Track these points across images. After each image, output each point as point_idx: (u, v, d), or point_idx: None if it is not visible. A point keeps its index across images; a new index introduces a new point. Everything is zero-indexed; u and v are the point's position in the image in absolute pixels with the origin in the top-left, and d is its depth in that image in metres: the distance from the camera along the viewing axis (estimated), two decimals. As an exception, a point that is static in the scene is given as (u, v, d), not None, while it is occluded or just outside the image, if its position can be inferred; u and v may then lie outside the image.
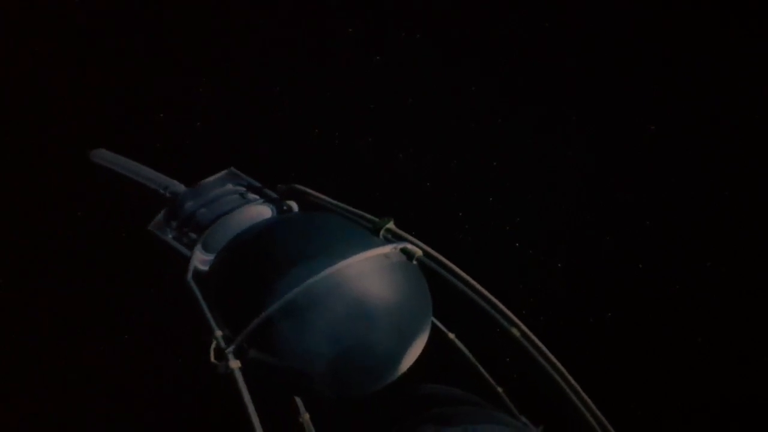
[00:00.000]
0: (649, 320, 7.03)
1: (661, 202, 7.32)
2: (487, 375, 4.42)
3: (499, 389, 4.43)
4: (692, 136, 7.33)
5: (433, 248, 4.20)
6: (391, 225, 4.27)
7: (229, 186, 5.21)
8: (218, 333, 3.71)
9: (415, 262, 4.14)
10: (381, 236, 4.28)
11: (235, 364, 3.53)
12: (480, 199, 7.49)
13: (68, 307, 7.09)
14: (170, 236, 4.93)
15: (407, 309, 3.91)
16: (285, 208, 4.95)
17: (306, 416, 4.70)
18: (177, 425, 6.77)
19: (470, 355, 4.50)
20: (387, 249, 4.02)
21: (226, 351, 3.59)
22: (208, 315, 3.85)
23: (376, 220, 4.33)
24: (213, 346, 3.65)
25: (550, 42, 7.70)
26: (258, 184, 5.20)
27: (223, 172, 5.27)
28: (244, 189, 5.17)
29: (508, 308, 4.76)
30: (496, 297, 4.70)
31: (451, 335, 4.60)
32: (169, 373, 6.74)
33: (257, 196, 5.06)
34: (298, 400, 4.77)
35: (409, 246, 4.13)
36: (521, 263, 7.32)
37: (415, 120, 7.66)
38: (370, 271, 3.86)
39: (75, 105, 7.46)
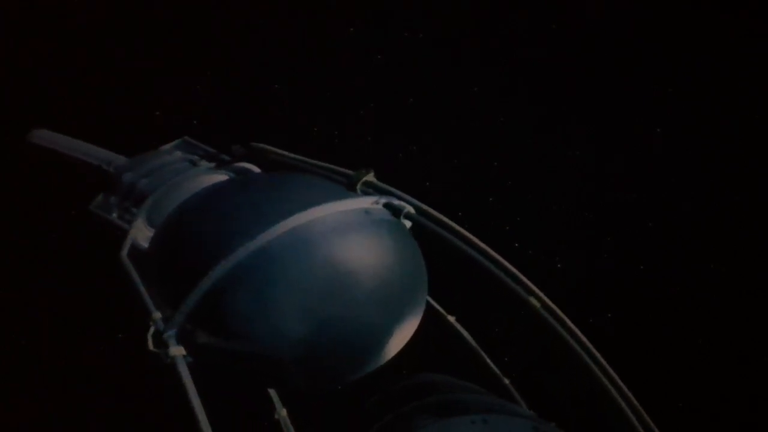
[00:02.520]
0: (649, 320, 6.80)
1: (663, 202, 7.10)
2: (491, 364, 3.68)
3: (506, 380, 3.69)
4: (693, 137, 7.11)
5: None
6: (370, 178, 3.44)
7: (178, 154, 4.38)
8: (156, 315, 2.85)
9: (404, 222, 3.30)
10: (359, 191, 3.42)
11: (177, 350, 2.73)
12: (480, 199, 7.23)
13: (68, 307, 6.81)
14: (114, 215, 4.10)
15: (395, 277, 3.05)
16: (245, 172, 4.13)
17: (283, 412, 3.95)
18: (177, 424, 6.48)
19: (473, 341, 3.76)
20: (366, 202, 3.19)
21: (164, 335, 2.76)
22: (144, 295, 2.98)
23: (352, 173, 3.49)
24: (150, 331, 2.81)
25: (551, 42, 7.50)
26: (214, 151, 4.39)
27: (175, 142, 4.51)
28: (196, 157, 4.33)
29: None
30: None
31: (451, 318, 3.84)
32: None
33: (210, 162, 4.21)
34: (273, 393, 4.02)
35: (396, 200, 3.28)
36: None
37: (416, 120, 7.41)
38: (345, 228, 3.00)
39: (74, 104, 7.21)
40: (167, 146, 4.46)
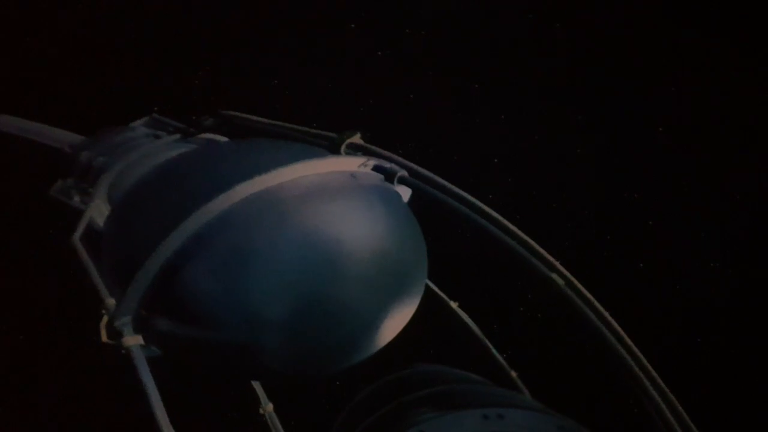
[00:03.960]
0: (648, 321, 6.54)
1: (663, 201, 6.83)
2: (497, 354, 3.16)
3: (513, 373, 3.19)
4: (695, 136, 6.85)
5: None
6: (357, 139, 2.86)
7: (142, 130, 3.81)
8: (109, 302, 2.35)
9: (400, 189, 2.74)
10: (343, 153, 2.84)
11: (133, 340, 2.24)
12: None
13: (67, 305, 6.51)
14: (76, 198, 3.54)
15: (389, 251, 2.48)
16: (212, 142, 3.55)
17: (269, 407, 3.47)
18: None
19: (477, 330, 3.22)
20: (352, 164, 2.63)
21: (116, 324, 2.25)
22: (97, 280, 2.47)
23: (335, 135, 2.90)
24: (104, 320, 2.31)
25: (554, 41, 7.24)
26: (183, 126, 3.79)
27: (141, 119, 3.95)
28: (162, 132, 3.72)
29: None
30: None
31: (454, 304, 3.33)
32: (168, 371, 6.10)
33: (175, 135, 3.63)
34: (257, 386, 3.53)
35: (388, 163, 2.71)
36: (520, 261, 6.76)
37: (416, 117, 7.13)
38: (326, 191, 2.44)
39: (72, 102, 6.92)
40: (133, 124, 3.96)
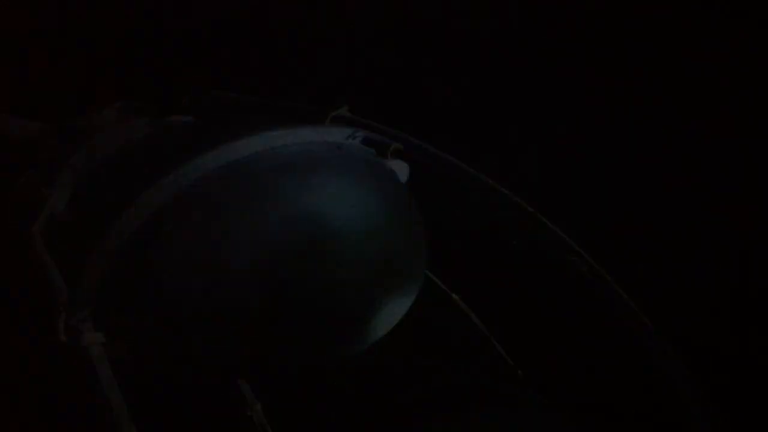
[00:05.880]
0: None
1: (663, 201, 6.57)
2: (502, 351, 2.90)
3: (519, 372, 2.93)
4: (694, 136, 6.60)
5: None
6: (343, 112, 2.61)
7: (112, 114, 3.50)
8: (65, 297, 2.16)
9: (395, 165, 2.51)
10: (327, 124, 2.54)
11: (92, 338, 2.02)
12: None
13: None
14: (44, 190, 3.14)
15: (382, 233, 2.20)
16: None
17: (257, 407, 3.11)
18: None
19: (480, 324, 2.98)
20: (338, 134, 2.42)
21: (73, 320, 2.04)
22: (53, 274, 2.25)
23: (318, 108, 2.61)
24: (61, 317, 2.08)
25: (553, 40, 7.05)
26: (154, 108, 3.61)
27: (114, 104, 3.68)
28: (131, 116, 3.44)
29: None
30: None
31: (455, 296, 3.10)
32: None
33: (144, 118, 3.39)
34: (243, 385, 3.15)
35: (380, 136, 2.48)
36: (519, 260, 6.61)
37: (416, 116, 6.92)
38: (310, 165, 2.21)
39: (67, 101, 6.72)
40: (105, 109, 3.68)
